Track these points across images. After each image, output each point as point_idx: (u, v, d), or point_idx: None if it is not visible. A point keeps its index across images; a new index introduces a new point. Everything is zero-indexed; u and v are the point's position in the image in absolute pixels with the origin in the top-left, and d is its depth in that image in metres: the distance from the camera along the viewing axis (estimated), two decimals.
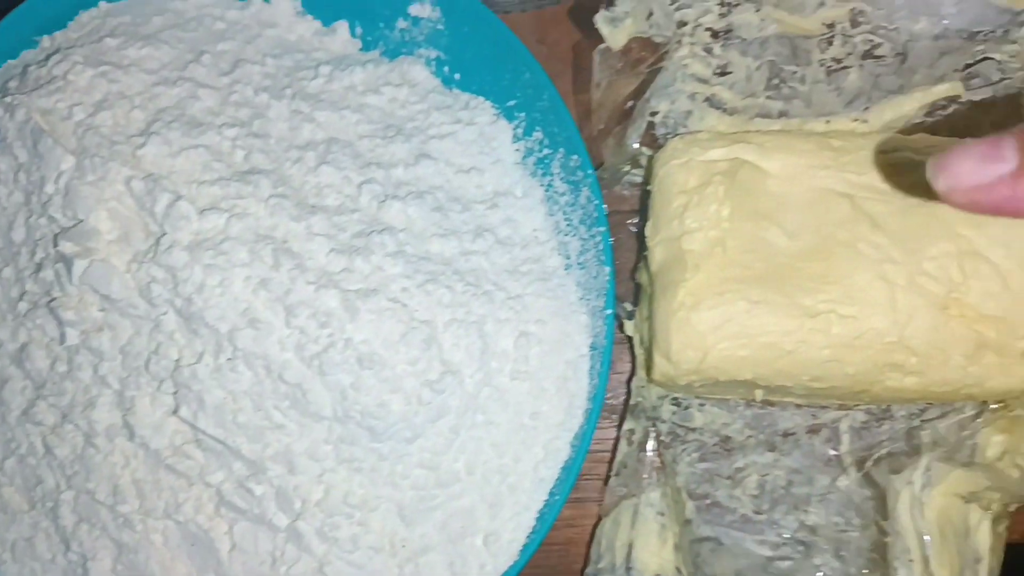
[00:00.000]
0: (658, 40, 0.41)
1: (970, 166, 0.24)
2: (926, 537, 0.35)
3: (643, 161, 0.43)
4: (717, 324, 0.38)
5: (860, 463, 0.38)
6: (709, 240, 0.38)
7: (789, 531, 0.39)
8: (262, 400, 0.39)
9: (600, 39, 0.40)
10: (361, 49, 0.47)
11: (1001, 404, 0.39)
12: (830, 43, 0.40)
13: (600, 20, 0.37)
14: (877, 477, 0.37)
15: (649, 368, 0.40)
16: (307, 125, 0.43)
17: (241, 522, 0.40)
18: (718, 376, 0.39)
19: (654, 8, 0.39)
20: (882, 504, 0.37)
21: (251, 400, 0.39)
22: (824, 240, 0.38)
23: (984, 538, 0.36)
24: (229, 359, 0.39)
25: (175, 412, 0.39)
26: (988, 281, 0.36)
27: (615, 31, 0.37)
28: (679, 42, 0.40)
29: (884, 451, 0.38)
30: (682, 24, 0.40)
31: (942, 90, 0.40)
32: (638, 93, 0.41)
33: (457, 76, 0.46)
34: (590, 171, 0.41)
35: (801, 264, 0.38)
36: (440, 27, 0.45)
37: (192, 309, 0.38)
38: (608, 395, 0.45)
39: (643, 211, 0.42)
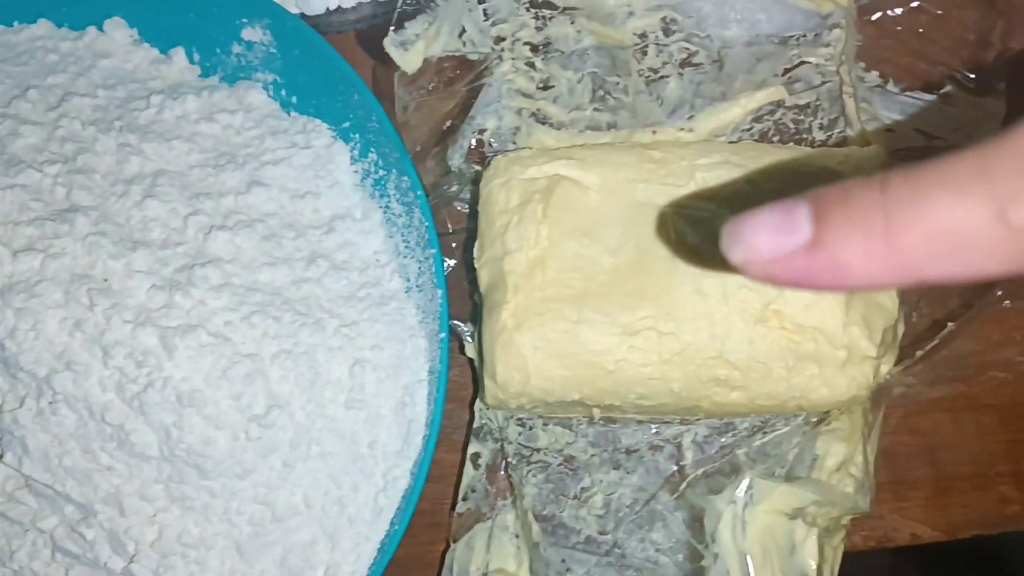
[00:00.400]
0: (473, 57, 0.40)
1: (764, 238, 0.22)
2: (747, 557, 0.34)
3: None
4: (538, 345, 0.37)
5: (690, 483, 0.37)
6: (529, 260, 0.38)
7: (633, 553, 0.38)
8: (88, 442, 0.38)
9: None
10: (201, 75, 0.47)
11: (825, 415, 0.38)
12: (644, 53, 0.39)
13: (389, 44, 0.36)
14: (693, 499, 0.36)
15: (482, 391, 0.40)
16: (135, 158, 0.42)
17: (76, 567, 0.39)
18: (545, 397, 0.38)
19: (466, 25, 0.38)
20: (699, 526, 0.36)
21: (77, 443, 0.39)
22: (643, 255, 0.37)
23: (810, 554, 0.35)
24: (51, 403, 0.38)
25: (0, 459, 0.39)
26: (804, 291, 0.35)
27: (406, 54, 0.36)
28: (500, 57, 0.39)
29: (700, 471, 0.37)
30: (500, 39, 0.39)
31: (765, 95, 0.39)
32: (456, 112, 0.40)
33: (294, 99, 0.45)
34: (420, 192, 0.41)
35: (621, 280, 0.37)
36: (273, 51, 0.44)
37: (6, 354, 0.38)
38: (455, 418, 0.44)
39: (470, 231, 0.41)
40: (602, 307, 0.37)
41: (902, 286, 0.21)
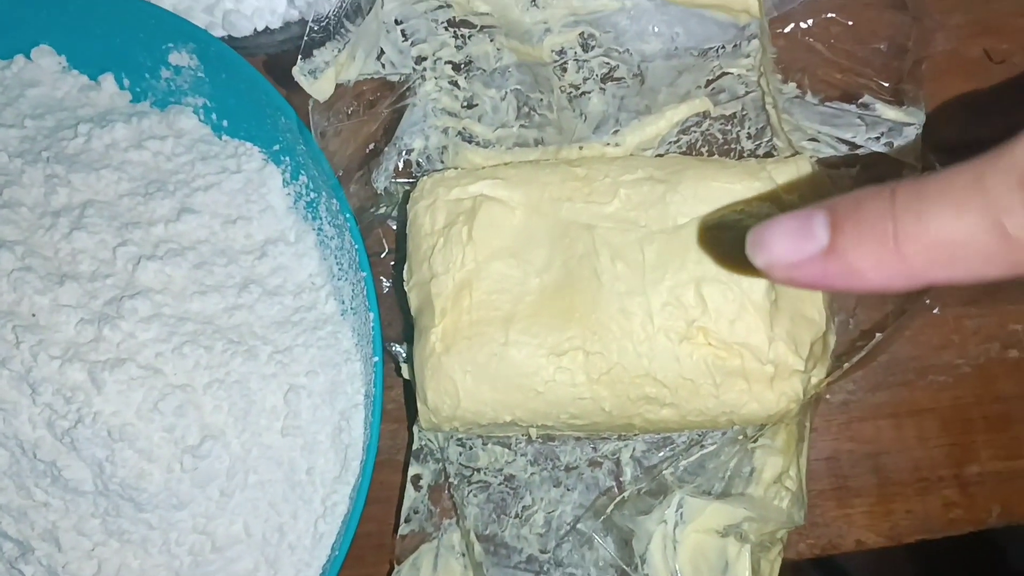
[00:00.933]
0: (394, 79, 0.39)
1: (784, 243, 0.24)
2: None
3: None
4: (468, 369, 0.37)
5: (617, 506, 0.37)
6: (456, 283, 0.37)
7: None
8: (21, 479, 0.38)
9: None
10: (132, 100, 0.46)
11: (761, 428, 0.38)
12: (565, 69, 0.39)
13: (297, 73, 0.36)
14: (621, 521, 0.36)
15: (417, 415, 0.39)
16: (62, 189, 0.42)
17: None
18: (478, 420, 0.38)
19: (385, 47, 0.38)
20: (629, 549, 0.36)
21: (11, 480, 0.38)
22: (569, 275, 0.37)
23: (743, 570, 0.35)
24: None
25: None
26: (729, 306, 0.35)
27: (316, 82, 0.36)
28: (422, 77, 0.39)
29: (628, 492, 0.37)
30: (421, 59, 0.39)
31: (689, 107, 0.39)
32: (380, 134, 0.39)
33: (225, 123, 0.44)
34: (349, 215, 0.40)
35: (548, 301, 0.37)
36: (201, 75, 0.44)
37: None
38: (398, 439, 0.44)
39: (402, 253, 0.41)
40: (529, 329, 0.36)
41: (911, 288, 0.23)
